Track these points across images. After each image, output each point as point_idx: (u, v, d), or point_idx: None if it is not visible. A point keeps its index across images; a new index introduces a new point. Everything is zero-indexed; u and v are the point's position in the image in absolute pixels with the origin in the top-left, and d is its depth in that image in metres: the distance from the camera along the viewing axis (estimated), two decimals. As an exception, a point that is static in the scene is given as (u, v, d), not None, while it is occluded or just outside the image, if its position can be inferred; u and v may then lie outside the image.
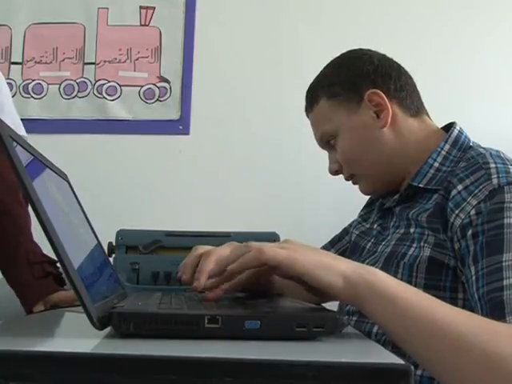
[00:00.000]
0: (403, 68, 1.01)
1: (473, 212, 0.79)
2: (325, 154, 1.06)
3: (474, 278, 0.76)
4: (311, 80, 1.05)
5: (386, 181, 0.99)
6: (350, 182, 1.04)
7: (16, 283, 1.24)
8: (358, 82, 0.97)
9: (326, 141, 1.01)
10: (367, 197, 1.14)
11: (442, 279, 0.83)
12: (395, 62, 1.01)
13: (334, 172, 1.03)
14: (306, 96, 1.04)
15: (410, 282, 0.85)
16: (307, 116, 1.06)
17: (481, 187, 0.81)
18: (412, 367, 0.45)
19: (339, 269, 0.60)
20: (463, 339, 0.56)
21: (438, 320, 0.58)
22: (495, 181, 0.80)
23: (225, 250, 0.71)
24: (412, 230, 0.89)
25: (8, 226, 1.24)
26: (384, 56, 1.01)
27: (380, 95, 0.95)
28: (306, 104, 1.05)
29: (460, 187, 0.84)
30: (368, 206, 1.13)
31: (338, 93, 0.98)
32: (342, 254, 1.12)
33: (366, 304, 0.60)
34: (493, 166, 0.82)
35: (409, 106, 0.98)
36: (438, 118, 1.03)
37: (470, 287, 0.77)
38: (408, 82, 0.99)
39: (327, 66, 1.04)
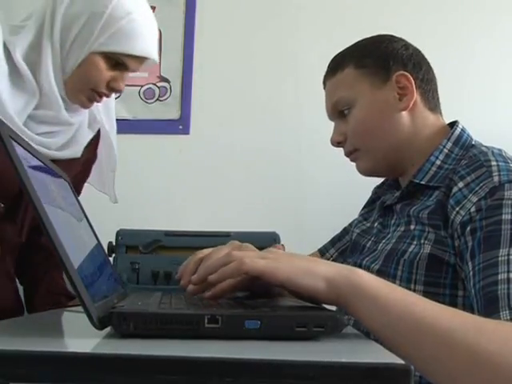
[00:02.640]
0: (431, 66, 1.02)
1: (473, 209, 0.80)
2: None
3: (471, 273, 0.76)
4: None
5: (387, 165, 0.99)
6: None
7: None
8: (390, 61, 0.98)
9: (339, 109, 1.01)
10: (368, 196, 1.14)
11: (442, 276, 0.83)
12: (426, 59, 1.01)
13: (337, 143, 1.03)
14: (332, 61, 1.03)
15: (410, 279, 0.85)
16: (324, 83, 1.04)
17: (481, 184, 0.81)
18: (412, 367, 0.45)
19: (321, 272, 0.61)
20: (449, 336, 0.56)
21: (424, 317, 0.57)
22: (496, 178, 0.80)
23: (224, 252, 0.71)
24: (412, 227, 0.89)
25: (42, 260, 1.30)
26: (418, 49, 1.02)
27: (409, 79, 0.96)
28: (329, 70, 1.03)
29: (461, 184, 0.84)
30: (369, 205, 1.13)
31: (368, 65, 0.98)
32: (342, 253, 1.12)
33: (351, 305, 0.60)
34: (494, 163, 0.83)
35: (430, 100, 0.99)
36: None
37: (467, 283, 0.78)
38: (433, 80, 1.01)
39: (361, 41, 1.04)
